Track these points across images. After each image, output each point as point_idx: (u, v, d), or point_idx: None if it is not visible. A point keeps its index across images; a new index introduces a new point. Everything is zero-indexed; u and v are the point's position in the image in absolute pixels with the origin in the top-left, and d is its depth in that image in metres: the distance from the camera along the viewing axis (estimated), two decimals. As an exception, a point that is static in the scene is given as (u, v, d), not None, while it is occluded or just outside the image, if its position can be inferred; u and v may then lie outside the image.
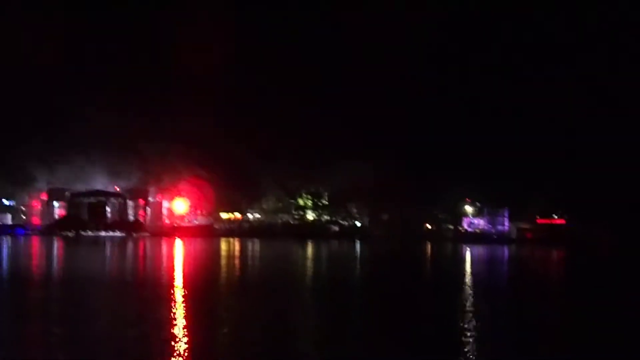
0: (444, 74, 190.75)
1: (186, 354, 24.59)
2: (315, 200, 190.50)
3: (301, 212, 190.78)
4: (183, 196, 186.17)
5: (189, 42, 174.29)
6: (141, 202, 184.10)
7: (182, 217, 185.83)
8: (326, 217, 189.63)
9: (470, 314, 35.96)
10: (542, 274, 74.02)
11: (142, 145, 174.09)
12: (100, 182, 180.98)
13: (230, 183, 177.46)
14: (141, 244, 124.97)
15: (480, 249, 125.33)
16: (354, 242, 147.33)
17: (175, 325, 30.55)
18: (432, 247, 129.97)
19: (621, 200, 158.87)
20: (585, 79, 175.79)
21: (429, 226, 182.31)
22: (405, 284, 55.00)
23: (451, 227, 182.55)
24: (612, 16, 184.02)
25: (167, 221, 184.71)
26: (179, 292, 43.28)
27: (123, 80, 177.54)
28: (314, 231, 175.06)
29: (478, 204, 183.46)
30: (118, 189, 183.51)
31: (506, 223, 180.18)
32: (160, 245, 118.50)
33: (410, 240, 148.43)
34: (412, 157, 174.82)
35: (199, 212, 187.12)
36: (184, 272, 63.03)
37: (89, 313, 34.77)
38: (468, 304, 40.87)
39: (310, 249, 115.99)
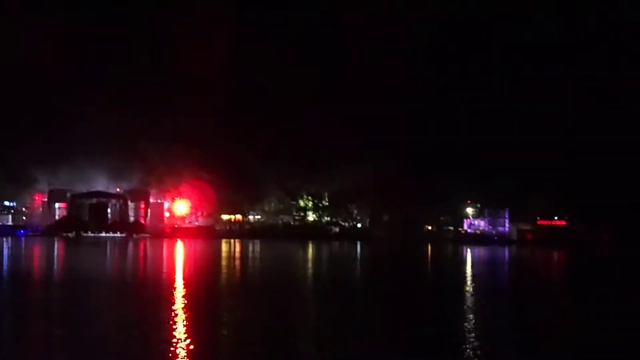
0: (444, 74, 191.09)
1: (189, 355, 24.61)
2: (316, 201, 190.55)
3: (302, 214, 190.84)
4: (184, 197, 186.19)
5: (189, 42, 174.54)
6: (142, 203, 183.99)
7: (182, 218, 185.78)
8: (327, 218, 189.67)
9: (471, 316, 35.98)
10: (543, 275, 73.98)
11: (143, 146, 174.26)
12: (101, 183, 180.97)
13: (231, 184, 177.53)
14: (142, 245, 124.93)
15: (481, 250, 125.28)
16: (355, 243, 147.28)
17: (176, 326, 30.56)
18: (432, 249, 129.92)
19: (621, 200, 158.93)
20: (585, 79, 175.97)
21: (429, 227, 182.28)
22: (406, 285, 54.99)
23: (451, 228, 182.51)
24: (612, 16, 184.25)
25: (167, 222, 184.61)
26: (179, 294, 43.28)
27: (123, 80, 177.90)
28: (315, 232, 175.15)
29: (478, 205, 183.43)
30: (119, 190, 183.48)
31: (507, 224, 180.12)
32: (161, 247, 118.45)
33: (410, 242, 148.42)
34: (413, 158, 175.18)
35: (199, 213, 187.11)
36: (184, 273, 63.02)
37: (89, 314, 34.77)
38: (469, 305, 40.88)
39: (311, 250, 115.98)
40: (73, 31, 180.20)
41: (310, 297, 45.49)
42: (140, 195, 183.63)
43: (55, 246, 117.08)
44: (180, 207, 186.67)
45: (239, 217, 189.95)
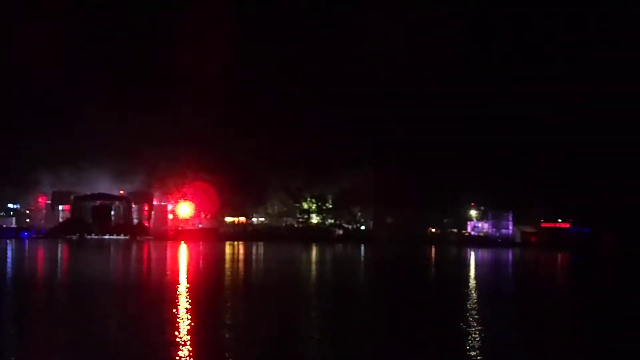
0: (445, 74, 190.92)
1: (193, 356, 24.58)
2: (320, 203, 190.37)
3: (305, 216, 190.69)
4: (187, 200, 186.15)
5: (189, 42, 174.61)
6: (145, 205, 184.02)
7: (186, 221, 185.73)
8: (330, 221, 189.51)
9: (476, 317, 35.91)
10: (547, 278, 73.86)
11: (147, 148, 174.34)
12: (105, 186, 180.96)
13: (234, 186, 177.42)
14: (145, 248, 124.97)
15: (485, 253, 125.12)
16: (359, 246, 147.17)
17: (180, 327, 30.53)
18: (436, 251, 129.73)
19: (623, 201, 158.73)
20: (585, 79, 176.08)
21: (433, 230, 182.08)
22: (410, 287, 54.92)
23: (455, 230, 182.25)
24: (612, 16, 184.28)
25: (171, 225, 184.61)
26: (183, 296, 43.27)
27: (125, 80, 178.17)
28: (319, 235, 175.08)
29: (482, 207, 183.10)
30: (122, 192, 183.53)
31: (510, 227, 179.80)
32: (164, 249, 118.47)
33: (414, 244, 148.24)
34: (416, 160, 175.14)
35: (203, 215, 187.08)
36: (188, 275, 63.02)
37: (92, 316, 34.77)
38: (473, 307, 40.80)
39: (314, 253, 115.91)
40: (73, 31, 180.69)
41: (315, 299, 45.45)
42: (143, 197, 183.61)
43: (59, 248, 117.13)
44: (184, 209, 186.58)
45: (242, 219, 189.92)
